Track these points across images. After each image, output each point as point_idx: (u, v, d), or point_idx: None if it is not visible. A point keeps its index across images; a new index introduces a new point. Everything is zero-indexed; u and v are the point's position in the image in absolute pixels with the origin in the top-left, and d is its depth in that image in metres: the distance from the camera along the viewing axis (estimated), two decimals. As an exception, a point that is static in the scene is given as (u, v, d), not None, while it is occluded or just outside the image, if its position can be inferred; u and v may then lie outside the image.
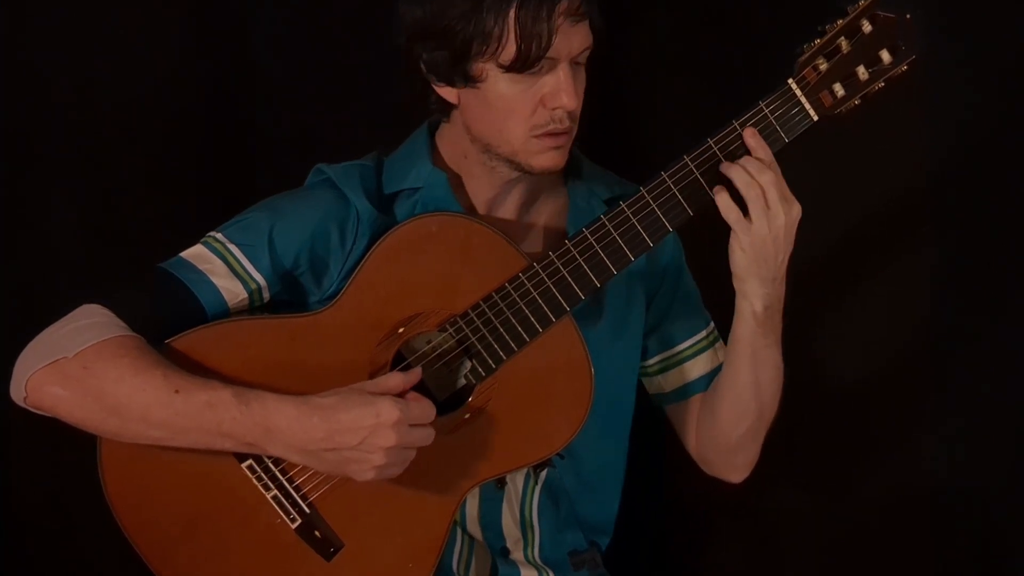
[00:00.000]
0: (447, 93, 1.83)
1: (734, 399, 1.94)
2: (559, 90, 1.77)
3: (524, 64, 1.75)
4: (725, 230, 1.79)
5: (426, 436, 1.76)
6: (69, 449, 1.85)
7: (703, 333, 2.02)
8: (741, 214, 1.77)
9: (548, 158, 1.82)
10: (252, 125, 2.36)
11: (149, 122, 2.32)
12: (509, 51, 1.74)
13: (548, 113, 1.79)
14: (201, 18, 2.31)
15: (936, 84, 2.10)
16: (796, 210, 1.78)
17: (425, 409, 1.76)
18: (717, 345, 2.02)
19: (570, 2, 1.74)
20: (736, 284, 1.83)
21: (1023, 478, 2.29)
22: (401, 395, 1.76)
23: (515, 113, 1.79)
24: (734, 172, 1.77)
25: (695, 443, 2.04)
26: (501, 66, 1.76)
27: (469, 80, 1.79)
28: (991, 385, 2.29)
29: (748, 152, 1.78)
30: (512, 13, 1.73)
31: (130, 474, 1.80)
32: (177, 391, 1.72)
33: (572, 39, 1.76)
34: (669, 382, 2.03)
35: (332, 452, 1.73)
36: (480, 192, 1.91)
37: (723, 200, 1.78)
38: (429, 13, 1.76)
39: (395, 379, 1.77)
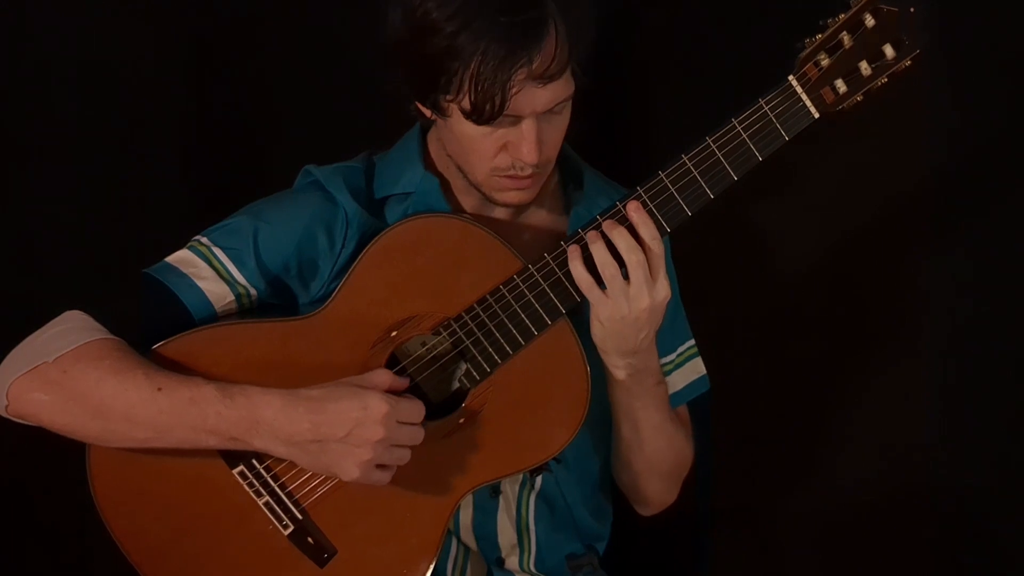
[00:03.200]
0: (422, 108, 1.80)
1: (616, 449, 1.95)
2: (520, 144, 1.73)
3: (479, 119, 1.70)
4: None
5: (414, 435, 1.74)
6: (58, 452, 1.83)
7: (671, 356, 1.97)
8: (596, 286, 1.74)
9: (512, 196, 1.80)
10: (243, 128, 2.34)
11: (138, 126, 2.31)
12: (466, 103, 1.70)
13: (511, 159, 1.75)
14: (192, 20, 2.29)
15: (940, 79, 2.08)
16: (663, 294, 1.74)
17: (414, 408, 1.74)
18: (680, 370, 1.98)
19: (533, 68, 1.66)
20: (598, 349, 1.81)
21: (1023, 478, 2.27)
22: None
23: (477, 153, 1.76)
24: (596, 248, 1.73)
25: None
26: (462, 110, 1.71)
27: (436, 109, 1.76)
28: (991, 385, 2.27)
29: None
30: (472, 67, 1.66)
31: (119, 480, 1.79)
32: (160, 389, 1.70)
33: (537, 99, 1.70)
34: None
35: (317, 444, 1.70)
36: (470, 198, 1.88)
37: (577, 269, 1.74)
38: (408, 35, 1.71)
39: (383, 376, 1.75)
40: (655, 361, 1.85)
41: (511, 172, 1.76)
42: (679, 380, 1.98)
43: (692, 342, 2.00)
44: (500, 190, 1.79)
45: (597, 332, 1.78)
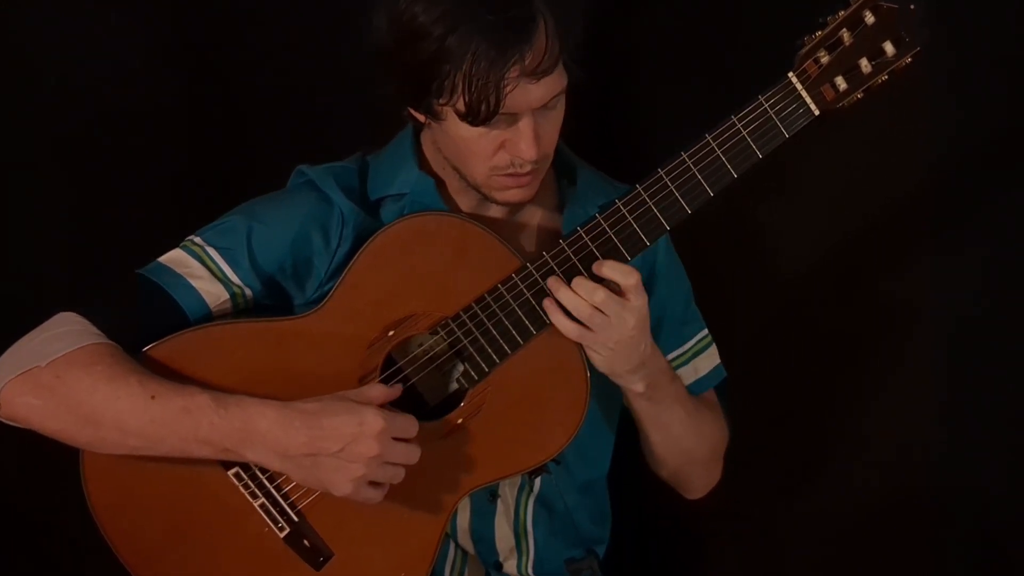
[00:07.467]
0: (416, 114, 1.79)
1: (651, 449, 1.95)
2: (518, 140, 1.72)
3: (475, 120, 1.69)
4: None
5: (408, 453, 1.72)
6: (52, 454, 1.81)
7: (687, 345, 1.97)
8: (582, 329, 1.74)
9: (512, 194, 1.79)
10: (236, 127, 2.32)
11: (132, 125, 2.29)
12: (460, 105, 1.68)
13: (509, 157, 1.74)
14: (185, 19, 2.28)
15: (941, 76, 2.07)
16: (640, 307, 1.74)
17: (407, 423, 1.72)
18: (699, 358, 1.98)
19: (524, 65, 1.66)
20: (609, 376, 1.81)
21: (1023, 478, 2.26)
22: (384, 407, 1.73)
23: (475, 154, 1.75)
24: (563, 295, 1.74)
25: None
26: (457, 112, 1.70)
27: (431, 114, 1.74)
28: (992, 384, 2.27)
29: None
30: (464, 68, 1.65)
31: (114, 482, 1.77)
32: (153, 397, 1.68)
33: (532, 94, 1.69)
34: None
35: (311, 458, 1.69)
36: (466, 199, 1.87)
37: (560, 321, 1.75)
38: (395, 42, 1.70)
39: (376, 390, 1.74)
40: (663, 360, 1.86)
41: (510, 170, 1.75)
42: (703, 366, 1.98)
43: (706, 330, 2.00)
44: (500, 189, 1.78)
45: (600, 363, 1.78)
